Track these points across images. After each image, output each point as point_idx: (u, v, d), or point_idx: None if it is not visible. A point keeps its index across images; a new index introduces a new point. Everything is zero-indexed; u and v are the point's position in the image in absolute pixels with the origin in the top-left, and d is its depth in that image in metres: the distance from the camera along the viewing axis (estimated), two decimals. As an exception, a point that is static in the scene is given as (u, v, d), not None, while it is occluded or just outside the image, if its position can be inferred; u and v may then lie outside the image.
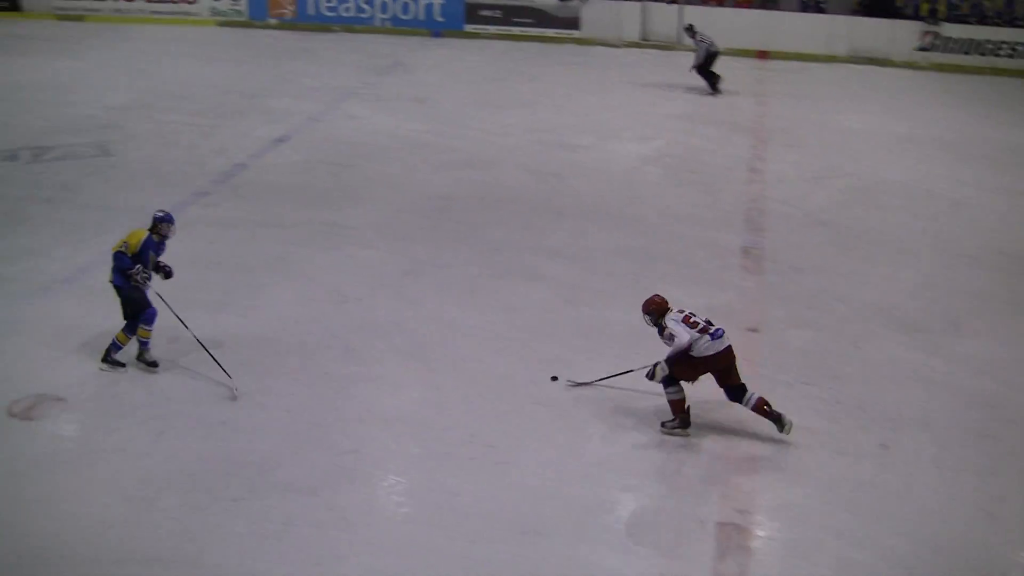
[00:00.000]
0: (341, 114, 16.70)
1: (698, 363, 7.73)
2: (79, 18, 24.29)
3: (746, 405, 7.79)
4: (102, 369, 8.44)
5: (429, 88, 18.40)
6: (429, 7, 23.19)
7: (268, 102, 17.11)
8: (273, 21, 23.76)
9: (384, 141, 15.19)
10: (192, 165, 13.81)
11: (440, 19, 23.28)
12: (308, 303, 9.90)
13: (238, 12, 23.88)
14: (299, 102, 17.30)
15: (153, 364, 8.51)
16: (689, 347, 7.65)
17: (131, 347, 8.51)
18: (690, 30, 18.81)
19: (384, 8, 23.24)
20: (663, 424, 7.93)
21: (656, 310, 7.84)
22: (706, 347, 7.67)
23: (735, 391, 7.81)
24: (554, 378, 8.60)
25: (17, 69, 19.10)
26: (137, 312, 8.39)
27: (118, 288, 8.35)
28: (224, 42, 22.23)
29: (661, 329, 7.82)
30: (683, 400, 7.86)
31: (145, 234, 8.35)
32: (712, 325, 7.78)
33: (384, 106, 17.14)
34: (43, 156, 14.12)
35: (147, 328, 8.43)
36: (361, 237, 11.54)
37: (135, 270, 8.23)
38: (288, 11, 23.76)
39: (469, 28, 23.19)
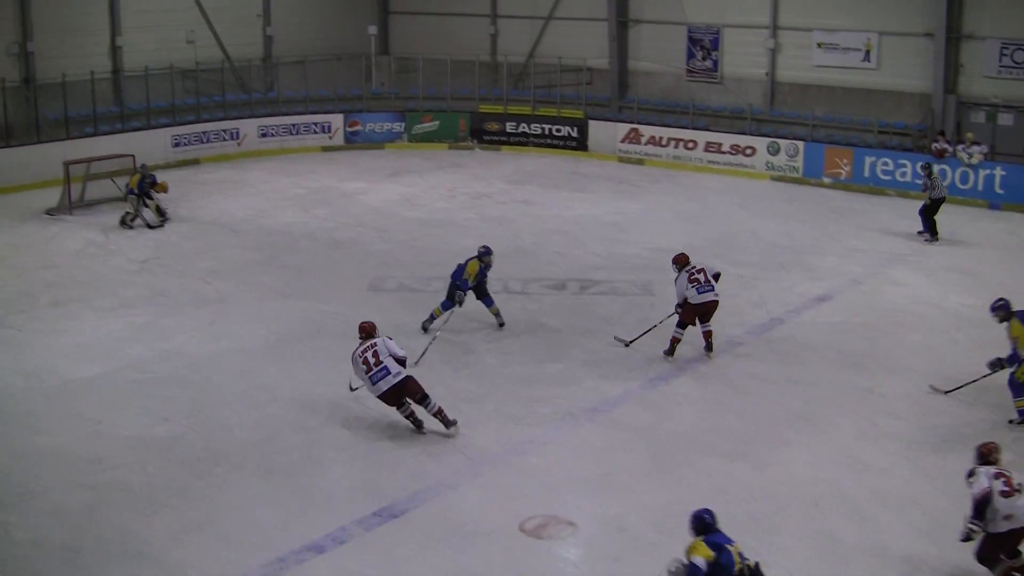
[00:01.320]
0: (885, 279, 17.49)
1: (691, 309, 13.54)
2: (639, 161, 28.00)
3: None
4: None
5: (980, 262, 18.72)
6: (989, 179, 23.59)
7: (812, 259, 18.56)
8: (827, 180, 25.45)
9: (927, 311, 15.80)
10: (730, 314, 15.21)
11: (1000, 191, 23.45)
12: (825, 465, 10.67)
13: (793, 168, 25.92)
14: (844, 262, 18.49)
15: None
16: (685, 296, 13.46)
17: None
18: None
19: (942, 176, 23.98)
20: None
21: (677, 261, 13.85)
22: (694, 296, 13.47)
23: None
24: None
25: (579, 205, 22.56)
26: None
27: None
28: (776, 196, 24.11)
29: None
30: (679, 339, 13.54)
31: (478, 265, 14.05)
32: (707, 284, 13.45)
33: (930, 276, 17.73)
34: (589, 289, 16.62)
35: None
36: (890, 407, 12.16)
37: (460, 293, 13.87)
38: (843, 171, 25.42)
39: (1031, 202, 23.12)
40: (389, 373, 11.16)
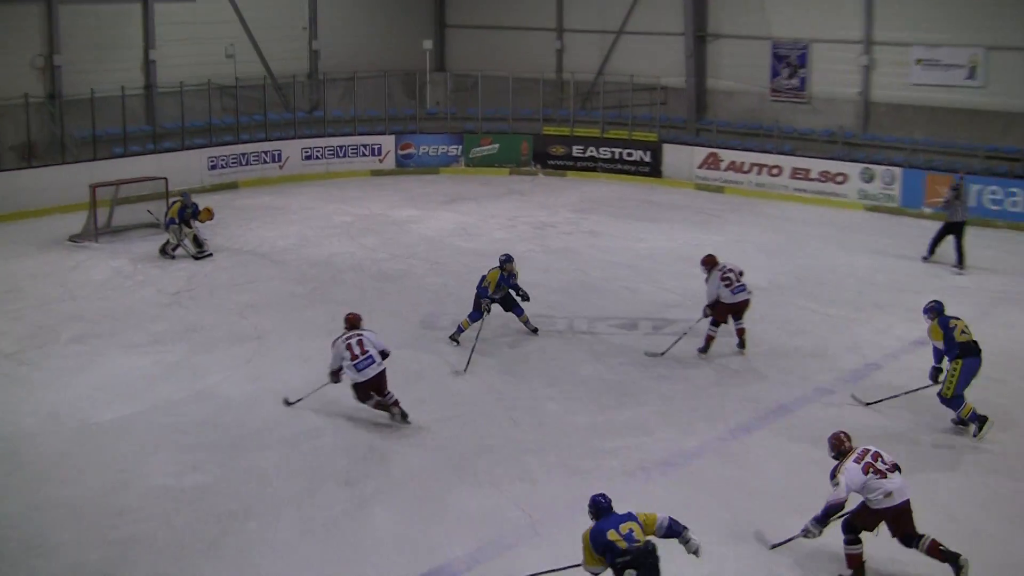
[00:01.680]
0: (995, 320, 17.03)
1: (724, 308, 15.09)
2: (718, 189, 27.79)
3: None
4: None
5: None
6: None
7: (912, 298, 18.02)
8: (928, 210, 25.15)
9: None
10: (817, 359, 15.11)
11: None
12: (927, 531, 10.57)
13: (889, 197, 25.55)
14: (947, 302, 17.92)
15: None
16: (717, 296, 15.05)
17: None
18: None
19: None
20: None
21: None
22: (728, 296, 14.97)
23: None
24: None
25: (651, 236, 22.38)
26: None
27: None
28: (871, 228, 23.76)
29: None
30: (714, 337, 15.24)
31: (499, 273, 15.26)
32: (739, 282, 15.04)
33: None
34: (663, 329, 16.42)
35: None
36: (1003, 465, 11.80)
37: (486, 301, 15.18)
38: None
39: None
40: (374, 362, 12.58)
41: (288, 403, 13.27)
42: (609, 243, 21.94)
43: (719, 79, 30.63)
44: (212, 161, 27.20)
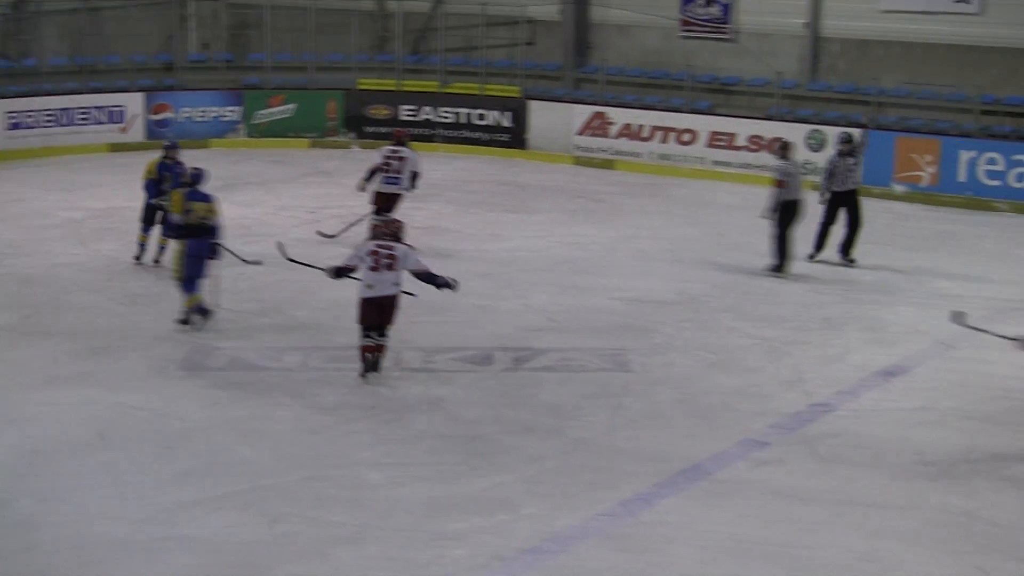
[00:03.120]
0: (995, 340, 17.88)
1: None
2: (607, 164, 28.21)
3: None
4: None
5: None
6: None
7: (877, 311, 18.81)
8: (899, 189, 26.03)
9: (1063, 390, 15.98)
10: (749, 398, 15.48)
11: None
12: None
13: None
14: (926, 315, 18.80)
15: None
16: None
17: None
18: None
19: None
20: None
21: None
22: None
23: None
24: None
25: (513, 233, 22.84)
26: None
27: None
28: (819, 208, 24.63)
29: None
30: None
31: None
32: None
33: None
34: (527, 363, 16.71)
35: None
36: (1009, 541, 12.15)
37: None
38: (925, 175, 25.98)
39: None
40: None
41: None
42: (453, 243, 22.19)
43: (608, 7, 31.22)
44: None
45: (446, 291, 16.07)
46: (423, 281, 15.87)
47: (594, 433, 14.53)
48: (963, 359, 17.14)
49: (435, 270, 15.98)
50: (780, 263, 20.96)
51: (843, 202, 21.31)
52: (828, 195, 21.36)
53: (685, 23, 30.11)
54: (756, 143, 27.24)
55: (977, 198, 25.15)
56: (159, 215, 20.65)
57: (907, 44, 27.91)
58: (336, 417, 14.93)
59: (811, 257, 21.50)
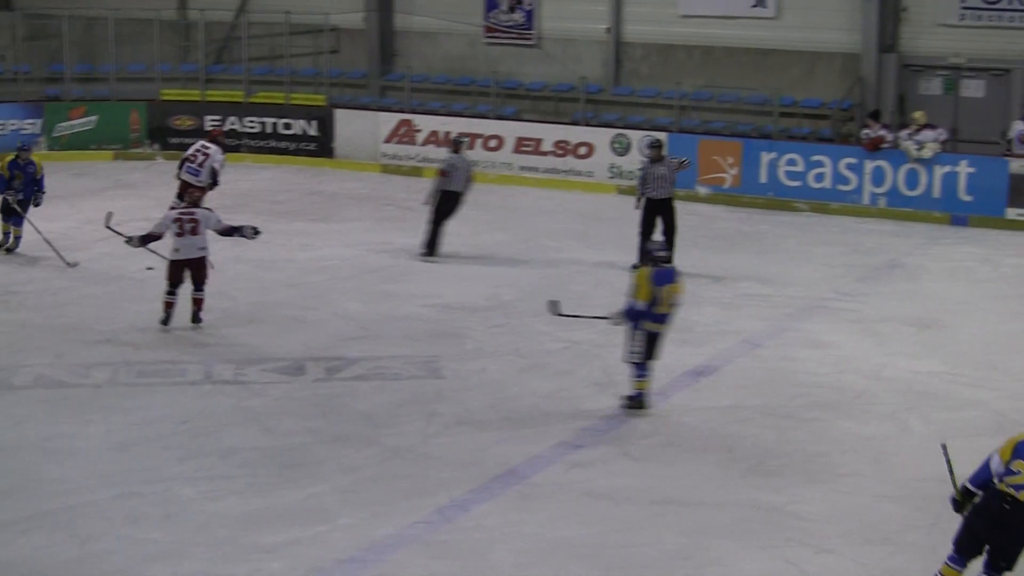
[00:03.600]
0: (798, 337, 18.25)
1: None
2: (415, 172, 28.21)
3: None
4: None
5: (942, 306, 19.84)
6: (950, 180, 24.94)
7: (685, 312, 18.87)
8: (703, 191, 26.48)
9: (863, 385, 16.46)
10: (560, 401, 15.66)
11: (966, 198, 24.90)
12: None
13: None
14: (732, 314, 19.30)
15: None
16: None
17: None
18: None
19: (878, 178, 25.19)
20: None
21: None
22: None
23: None
24: None
25: (322, 242, 22.78)
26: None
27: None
28: (627, 218, 24.18)
29: None
30: None
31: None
32: None
33: (867, 330, 18.64)
34: (339, 372, 16.72)
35: None
36: (816, 534, 12.41)
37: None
38: (728, 177, 26.45)
39: (1013, 215, 24.75)
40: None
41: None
42: (262, 254, 22.02)
43: (412, 15, 31.28)
44: None
45: (255, 238, 18.56)
46: (228, 236, 18.29)
47: (409, 441, 14.55)
48: (768, 357, 17.53)
49: (235, 223, 18.42)
50: (429, 249, 22.15)
51: (658, 209, 21.43)
52: (643, 201, 21.44)
53: (489, 30, 30.26)
54: (562, 148, 27.45)
55: (778, 199, 25.64)
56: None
57: (707, 48, 28.37)
58: (147, 432, 14.77)
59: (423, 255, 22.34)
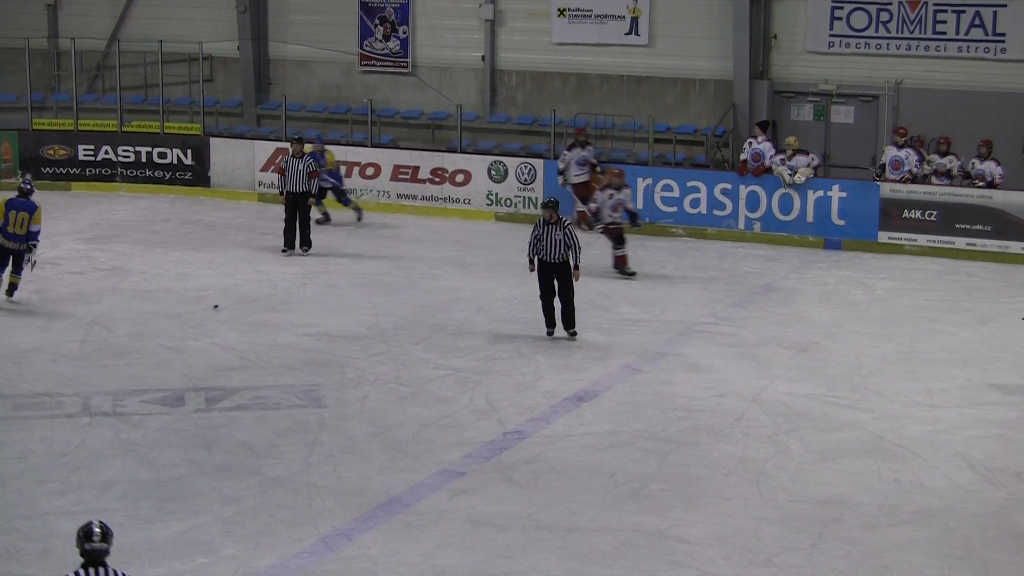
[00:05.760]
0: (678, 362, 18.44)
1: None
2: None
3: None
4: None
5: (817, 329, 20.20)
6: (823, 204, 25.32)
7: (562, 340, 19.26)
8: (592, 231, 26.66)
9: (742, 408, 16.63)
10: (444, 429, 15.65)
11: (839, 223, 25.25)
12: None
13: (529, 201, 26.90)
14: (612, 339, 19.46)
15: None
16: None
17: None
18: None
19: (752, 204, 25.49)
20: None
21: None
22: None
23: None
24: None
25: (200, 272, 22.60)
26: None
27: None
28: (504, 245, 25.00)
29: None
30: None
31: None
32: None
33: (745, 354, 18.87)
34: (220, 402, 16.60)
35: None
36: (699, 557, 12.50)
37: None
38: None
39: (885, 238, 25.13)
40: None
41: None
42: (140, 284, 21.89)
43: (287, 43, 31.21)
44: None
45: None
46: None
47: (291, 471, 14.49)
48: (648, 382, 17.64)
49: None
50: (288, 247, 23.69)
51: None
52: (535, 267, 19.86)
53: (364, 58, 30.26)
54: (439, 176, 27.46)
55: (655, 224, 25.79)
56: None
57: (582, 75, 28.55)
58: (23, 466, 14.57)
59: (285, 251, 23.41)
